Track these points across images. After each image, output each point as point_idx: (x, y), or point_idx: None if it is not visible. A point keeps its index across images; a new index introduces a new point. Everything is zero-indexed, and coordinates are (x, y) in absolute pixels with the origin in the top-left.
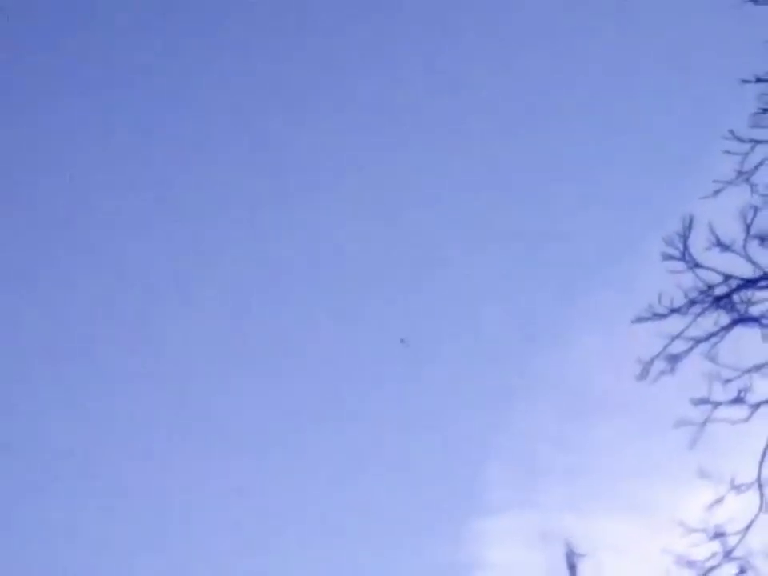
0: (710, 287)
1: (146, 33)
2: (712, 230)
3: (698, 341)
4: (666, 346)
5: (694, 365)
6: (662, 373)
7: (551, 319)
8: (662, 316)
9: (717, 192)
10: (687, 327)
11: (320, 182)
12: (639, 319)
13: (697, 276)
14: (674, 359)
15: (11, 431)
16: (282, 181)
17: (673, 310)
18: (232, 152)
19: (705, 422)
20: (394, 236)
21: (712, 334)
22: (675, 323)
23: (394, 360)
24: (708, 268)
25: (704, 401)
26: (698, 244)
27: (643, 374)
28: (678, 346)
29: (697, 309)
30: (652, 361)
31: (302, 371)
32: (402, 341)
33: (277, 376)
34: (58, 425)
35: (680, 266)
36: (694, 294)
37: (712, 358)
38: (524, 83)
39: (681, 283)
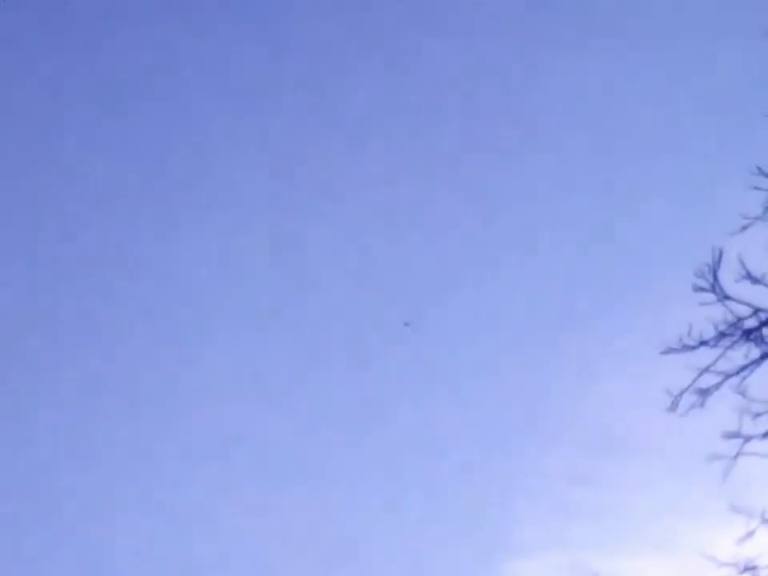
0: (740, 320)
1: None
2: (742, 263)
3: (728, 374)
4: (695, 380)
5: (725, 398)
6: (692, 407)
7: (579, 355)
8: (692, 348)
9: (745, 228)
10: (717, 360)
11: (328, 174)
12: (668, 351)
13: (727, 308)
14: (704, 393)
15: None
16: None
17: (702, 343)
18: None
19: (736, 456)
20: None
21: (742, 368)
22: (705, 356)
23: (421, 404)
24: (738, 301)
25: (735, 435)
26: (728, 276)
27: (672, 408)
28: (708, 380)
29: (727, 342)
30: (681, 394)
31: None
32: (406, 324)
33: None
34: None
35: (710, 297)
36: (723, 327)
37: (742, 392)
38: (552, 104)
39: (711, 316)
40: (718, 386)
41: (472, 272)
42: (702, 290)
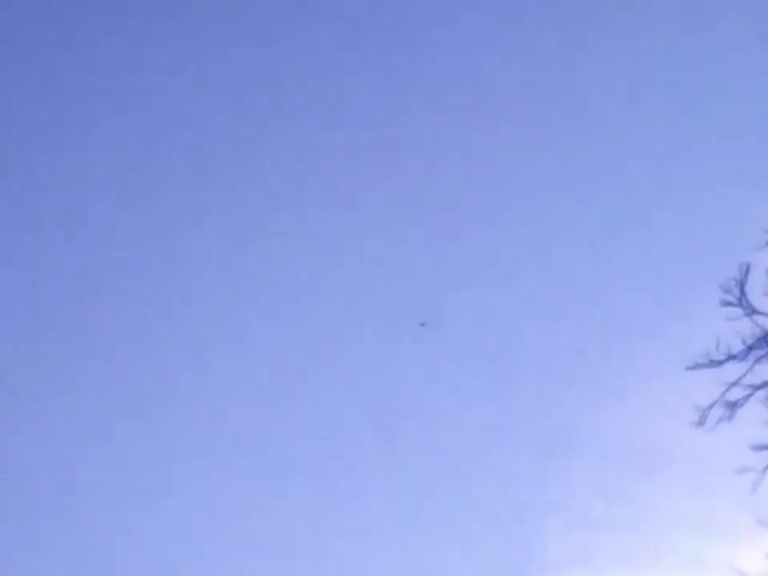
0: None
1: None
2: None
3: (756, 387)
4: (723, 393)
5: (753, 411)
6: (720, 420)
7: (608, 369)
8: (719, 362)
9: None
10: (745, 374)
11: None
12: (696, 366)
13: (754, 322)
14: (732, 406)
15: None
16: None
17: (730, 357)
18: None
19: (765, 469)
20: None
21: None
22: (733, 370)
23: (448, 417)
24: (765, 314)
25: (764, 447)
26: (756, 291)
27: (701, 422)
28: (736, 393)
29: (754, 355)
30: (710, 408)
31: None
32: (422, 324)
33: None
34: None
35: (737, 312)
36: (751, 341)
37: None
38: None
39: (738, 329)
40: (746, 399)
41: (491, 281)
42: (729, 304)
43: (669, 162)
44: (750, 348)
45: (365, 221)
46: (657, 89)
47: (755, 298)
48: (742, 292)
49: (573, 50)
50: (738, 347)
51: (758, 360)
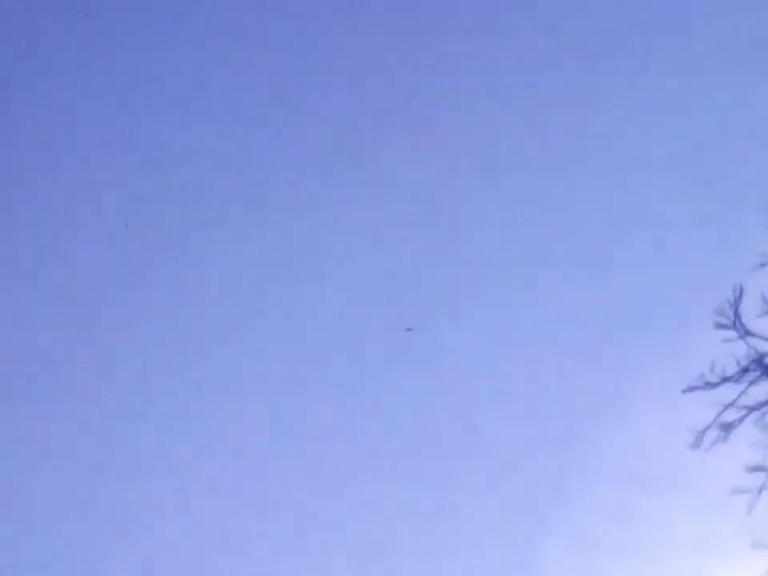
0: (762, 355)
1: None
2: (763, 300)
3: (751, 409)
4: (718, 415)
5: (748, 433)
6: (716, 441)
7: (606, 392)
8: (714, 385)
9: (764, 264)
10: (740, 395)
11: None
12: (691, 388)
13: (748, 344)
14: (727, 428)
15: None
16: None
17: (725, 379)
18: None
19: (760, 490)
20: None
21: (765, 402)
22: (727, 392)
23: (454, 441)
24: (759, 337)
25: (758, 468)
26: (750, 313)
27: (697, 444)
28: (731, 415)
29: (749, 377)
30: (705, 430)
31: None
32: (408, 330)
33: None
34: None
35: (731, 334)
36: (745, 363)
37: (765, 426)
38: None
39: (733, 352)
40: (741, 420)
41: (483, 305)
42: (723, 327)
43: (664, 186)
44: (745, 370)
45: (354, 226)
46: (656, 112)
47: (749, 320)
48: (736, 314)
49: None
50: (732, 369)
51: (752, 382)
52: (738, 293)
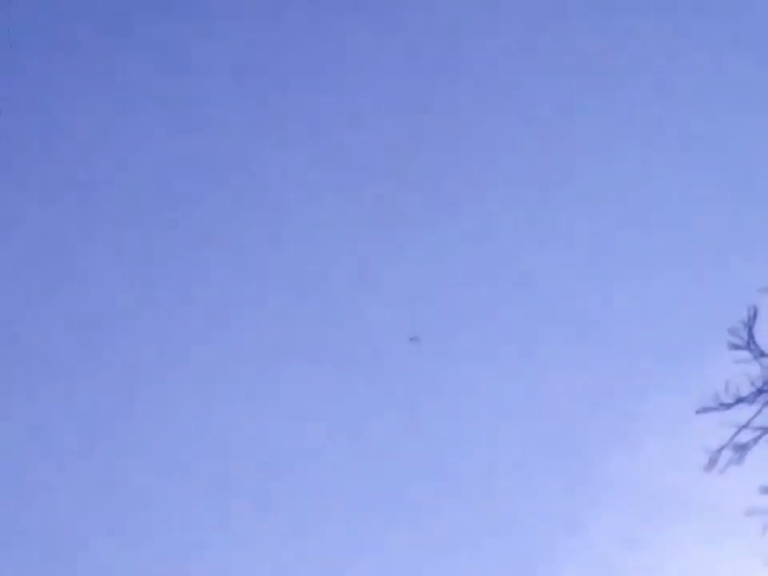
0: None
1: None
2: None
3: (766, 430)
4: (733, 436)
5: (763, 454)
6: (730, 463)
7: (619, 415)
8: (728, 406)
9: None
10: (754, 416)
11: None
12: (705, 410)
13: (762, 365)
14: (742, 449)
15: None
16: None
17: (739, 400)
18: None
19: None
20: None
21: None
22: (742, 413)
23: (468, 464)
24: None
25: None
26: (764, 333)
27: (711, 465)
28: (745, 436)
29: (763, 398)
30: (719, 451)
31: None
32: (412, 339)
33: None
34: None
35: (746, 355)
36: (760, 384)
37: None
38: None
39: (747, 373)
40: (755, 441)
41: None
42: (737, 347)
43: (678, 203)
44: (759, 391)
45: (357, 232)
46: (665, 125)
47: (764, 340)
48: (750, 335)
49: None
50: (746, 390)
51: (766, 403)
52: (752, 313)
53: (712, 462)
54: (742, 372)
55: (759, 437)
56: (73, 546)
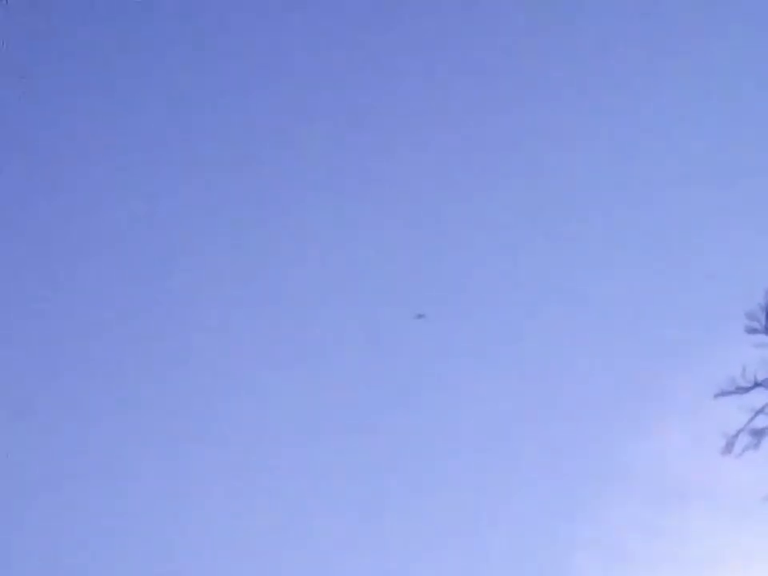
0: None
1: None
2: None
3: None
4: (750, 420)
5: None
6: (747, 447)
7: (636, 401)
8: (746, 390)
9: None
10: None
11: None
12: (722, 393)
13: None
14: (759, 434)
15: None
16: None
17: (756, 384)
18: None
19: None
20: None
21: None
22: (759, 397)
23: (486, 449)
24: None
25: None
26: None
27: (727, 450)
28: (762, 421)
29: None
30: (736, 436)
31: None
32: (419, 316)
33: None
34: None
35: (763, 339)
36: None
37: None
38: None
39: (764, 357)
40: None
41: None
42: (755, 331)
43: (694, 193)
44: None
45: (363, 212)
46: (687, 118)
47: None
48: None
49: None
50: (764, 374)
51: None
52: None
53: (729, 447)
54: (759, 356)
55: None
56: (73, 545)
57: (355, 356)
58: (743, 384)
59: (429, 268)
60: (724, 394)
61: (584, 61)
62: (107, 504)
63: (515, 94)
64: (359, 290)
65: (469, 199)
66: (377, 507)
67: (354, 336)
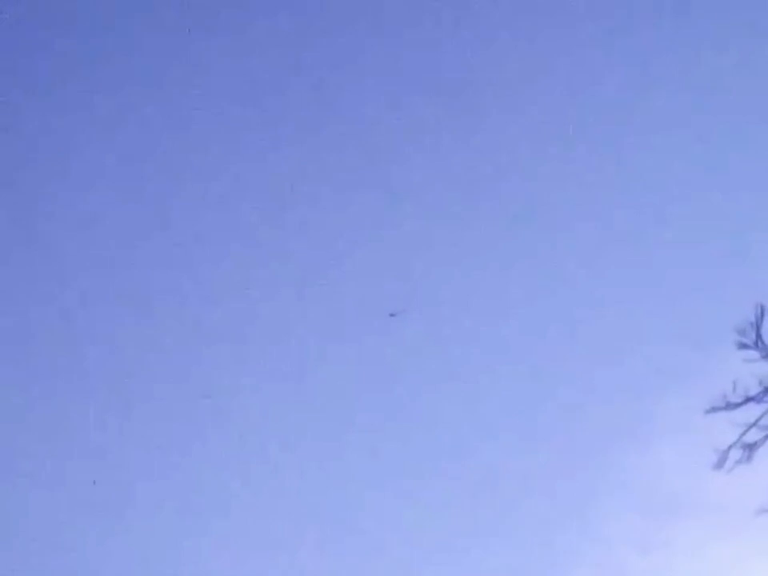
0: None
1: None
2: None
3: None
4: (741, 435)
5: None
6: (739, 462)
7: (628, 416)
8: (737, 405)
9: None
10: (763, 415)
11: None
12: (714, 409)
13: None
14: (751, 448)
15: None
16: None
17: (748, 399)
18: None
19: None
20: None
21: None
22: (750, 412)
23: (473, 468)
24: None
25: None
26: None
27: (720, 464)
28: (754, 435)
29: None
30: (728, 450)
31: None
32: (391, 315)
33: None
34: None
35: (754, 354)
36: None
37: None
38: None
39: (755, 372)
40: (764, 440)
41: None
42: (745, 346)
43: (685, 205)
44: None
45: (340, 213)
46: (681, 127)
47: None
48: (758, 335)
49: None
50: (755, 389)
51: None
52: (760, 312)
53: (721, 461)
54: (750, 371)
55: (767, 436)
56: (73, 546)
57: (332, 354)
58: (734, 399)
59: (412, 267)
60: (715, 409)
61: (584, 60)
62: (108, 504)
63: (501, 92)
64: (334, 285)
65: (454, 199)
66: (349, 521)
67: (328, 333)
